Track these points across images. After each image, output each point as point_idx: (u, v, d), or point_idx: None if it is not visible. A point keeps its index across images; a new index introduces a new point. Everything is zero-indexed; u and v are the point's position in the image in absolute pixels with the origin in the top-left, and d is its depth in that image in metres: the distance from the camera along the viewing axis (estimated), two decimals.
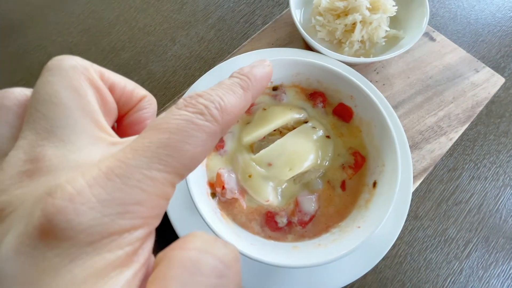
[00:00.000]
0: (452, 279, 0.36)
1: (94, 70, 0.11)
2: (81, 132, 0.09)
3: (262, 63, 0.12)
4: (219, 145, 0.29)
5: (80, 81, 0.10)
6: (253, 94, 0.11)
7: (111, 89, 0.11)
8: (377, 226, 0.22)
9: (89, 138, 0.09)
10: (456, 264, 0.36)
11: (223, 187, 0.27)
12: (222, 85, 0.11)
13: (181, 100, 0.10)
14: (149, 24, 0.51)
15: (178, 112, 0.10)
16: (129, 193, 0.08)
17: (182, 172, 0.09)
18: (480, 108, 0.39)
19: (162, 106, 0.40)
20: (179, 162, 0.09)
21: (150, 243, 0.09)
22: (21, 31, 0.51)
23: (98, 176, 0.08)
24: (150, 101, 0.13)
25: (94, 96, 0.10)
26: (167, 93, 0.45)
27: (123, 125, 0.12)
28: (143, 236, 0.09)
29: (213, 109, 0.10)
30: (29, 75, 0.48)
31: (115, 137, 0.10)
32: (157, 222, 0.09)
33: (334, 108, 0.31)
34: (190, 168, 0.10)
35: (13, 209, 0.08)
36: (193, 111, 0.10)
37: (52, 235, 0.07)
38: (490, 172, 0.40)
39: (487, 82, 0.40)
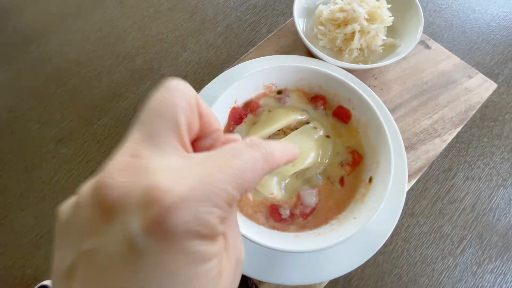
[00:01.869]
0: (447, 274, 0.38)
1: (195, 97, 0.14)
2: (169, 143, 0.12)
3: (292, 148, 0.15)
4: None
5: (182, 104, 0.13)
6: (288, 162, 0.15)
7: (201, 116, 0.14)
8: (371, 216, 0.25)
9: (172, 149, 0.12)
10: (451, 260, 0.38)
11: None
12: (278, 145, 0.14)
13: (248, 140, 0.13)
14: (162, 32, 0.55)
15: (247, 150, 0.12)
16: (213, 200, 0.11)
17: (243, 191, 0.12)
18: (473, 112, 0.41)
19: None
20: (243, 184, 0.12)
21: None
22: (44, 38, 0.55)
23: (194, 183, 0.10)
24: (220, 135, 0.15)
25: (186, 117, 0.13)
26: None
27: (197, 145, 0.15)
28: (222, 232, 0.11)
29: (269, 155, 0.13)
30: (51, 78, 0.51)
31: (190, 152, 0.13)
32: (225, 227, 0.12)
33: (334, 110, 0.33)
34: (247, 190, 0.12)
35: (121, 194, 0.10)
36: (259, 152, 0.13)
37: (163, 229, 0.10)
38: (484, 172, 0.42)
39: (480, 88, 0.42)
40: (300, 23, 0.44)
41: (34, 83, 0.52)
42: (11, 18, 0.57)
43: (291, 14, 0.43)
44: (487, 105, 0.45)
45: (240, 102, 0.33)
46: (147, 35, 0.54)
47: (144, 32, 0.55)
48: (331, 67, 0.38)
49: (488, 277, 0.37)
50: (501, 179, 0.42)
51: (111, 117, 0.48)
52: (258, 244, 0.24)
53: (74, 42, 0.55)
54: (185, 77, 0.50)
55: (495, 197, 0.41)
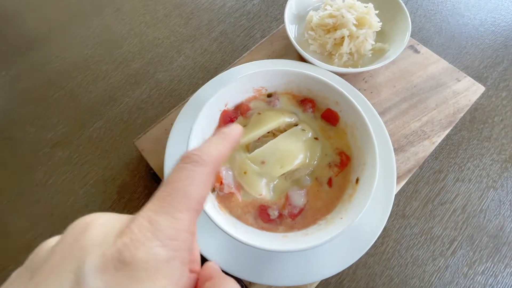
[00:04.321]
0: (438, 275, 0.38)
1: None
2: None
3: (236, 126, 0.17)
4: None
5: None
6: (231, 144, 0.16)
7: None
8: (357, 216, 0.25)
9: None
10: (442, 261, 0.38)
11: (221, 183, 0.30)
12: (209, 140, 0.16)
13: (180, 157, 0.14)
14: (158, 37, 0.56)
15: (180, 167, 0.13)
16: (165, 232, 0.11)
17: (196, 207, 0.13)
18: (461, 114, 0.42)
19: (168, 111, 0.44)
20: (191, 200, 0.12)
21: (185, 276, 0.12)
22: (43, 44, 0.56)
23: (143, 221, 0.11)
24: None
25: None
26: (172, 100, 0.49)
27: None
28: (180, 265, 0.12)
29: (203, 155, 0.14)
30: (48, 83, 0.52)
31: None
32: (187, 255, 0.12)
33: (322, 113, 0.34)
34: (201, 203, 0.13)
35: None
36: (190, 162, 0.13)
37: (121, 264, 0.10)
38: (474, 174, 0.43)
39: (468, 91, 0.43)
40: (291, 29, 0.45)
41: (32, 88, 0.53)
42: (13, 24, 0.58)
43: (284, 20, 0.44)
44: (476, 108, 0.46)
45: (230, 105, 0.34)
46: (143, 41, 0.55)
47: (141, 38, 0.56)
48: (322, 71, 0.39)
49: (479, 278, 0.37)
50: (491, 180, 0.43)
51: (107, 120, 0.48)
52: (245, 244, 0.24)
53: (72, 48, 0.57)
54: (180, 81, 0.51)
55: (485, 199, 0.41)
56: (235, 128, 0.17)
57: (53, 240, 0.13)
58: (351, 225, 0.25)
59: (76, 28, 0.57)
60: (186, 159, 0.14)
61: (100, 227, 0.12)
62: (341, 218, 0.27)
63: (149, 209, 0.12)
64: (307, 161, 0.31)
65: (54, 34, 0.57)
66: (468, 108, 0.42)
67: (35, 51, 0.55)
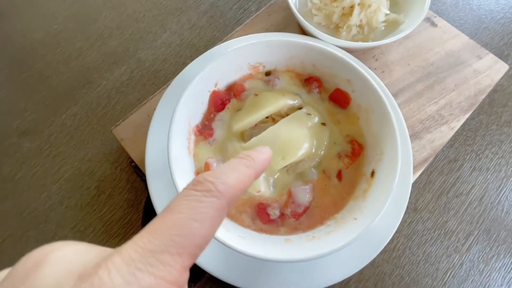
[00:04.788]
0: (452, 273, 0.35)
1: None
2: None
3: (264, 148, 0.15)
4: (208, 133, 0.27)
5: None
6: (256, 173, 0.13)
7: None
8: (375, 217, 0.21)
9: None
10: (456, 258, 0.35)
11: None
12: (228, 163, 0.12)
13: (191, 180, 0.11)
14: (138, 10, 0.49)
15: (187, 193, 0.11)
16: (141, 281, 0.08)
17: (193, 251, 0.10)
18: (483, 96, 0.37)
19: (152, 94, 0.38)
20: (189, 241, 0.10)
21: None
22: (6, 18, 0.48)
23: (117, 261, 0.09)
24: None
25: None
26: (157, 81, 0.43)
27: None
28: None
29: (219, 184, 0.11)
30: (13, 63, 0.45)
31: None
32: None
33: (331, 94, 0.29)
34: (202, 246, 0.10)
35: None
36: (200, 189, 0.11)
37: None
38: (492, 163, 0.39)
39: (491, 69, 0.38)
40: None
41: None
42: None
43: None
44: (496, 90, 0.41)
45: (222, 85, 0.29)
46: (122, 14, 0.48)
47: (119, 11, 0.49)
48: (327, 46, 0.34)
49: (496, 275, 0.34)
50: (511, 169, 0.39)
51: (82, 106, 0.43)
52: (240, 252, 0.20)
53: (39, 22, 0.49)
54: (165, 61, 0.45)
55: (504, 189, 0.38)
56: (264, 152, 0.14)
57: (2, 274, 0.11)
58: (368, 227, 0.21)
59: None
60: (197, 184, 0.11)
61: (59, 262, 0.09)
62: (355, 219, 0.22)
63: (134, 244, 0.09)
64: (313, 150, 0.27)
65: (19, 6, 0.49)
66: (490, 89, 0.38)
67: None
